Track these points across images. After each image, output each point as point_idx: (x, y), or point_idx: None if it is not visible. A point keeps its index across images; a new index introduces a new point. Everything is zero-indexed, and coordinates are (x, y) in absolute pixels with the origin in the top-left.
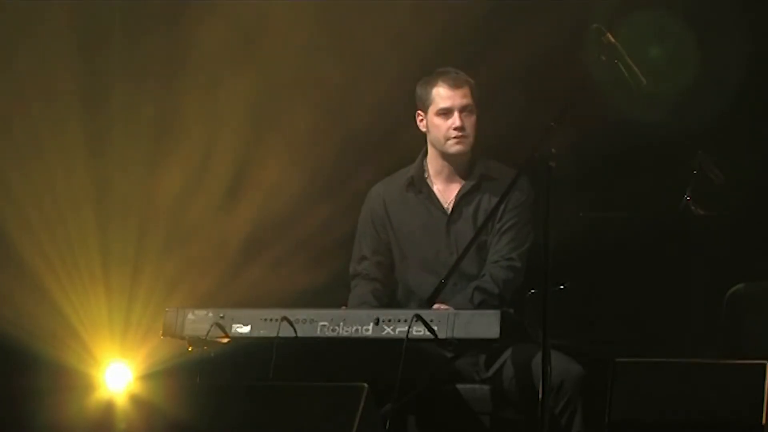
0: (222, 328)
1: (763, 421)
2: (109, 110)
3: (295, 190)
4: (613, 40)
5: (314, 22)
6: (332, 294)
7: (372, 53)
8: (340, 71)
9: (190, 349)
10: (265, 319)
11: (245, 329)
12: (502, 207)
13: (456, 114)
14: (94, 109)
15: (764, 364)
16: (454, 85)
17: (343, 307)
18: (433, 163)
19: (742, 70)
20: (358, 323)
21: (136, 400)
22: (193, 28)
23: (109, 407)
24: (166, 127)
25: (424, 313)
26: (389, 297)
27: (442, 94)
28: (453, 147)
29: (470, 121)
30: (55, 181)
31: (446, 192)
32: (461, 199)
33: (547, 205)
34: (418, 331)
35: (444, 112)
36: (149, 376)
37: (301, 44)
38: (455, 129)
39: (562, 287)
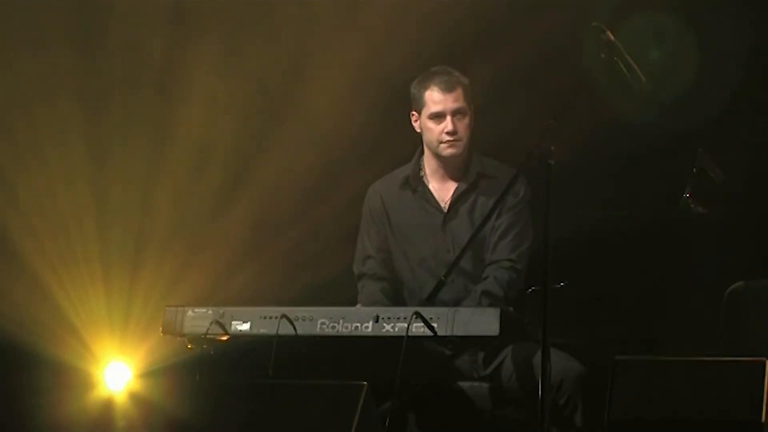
0: (222, 325)
1: (763, 419)
2: (110, 111)
3: (295, 189)
4: (612, 38)
5: (314, 22)
6: (332, 292)
7: (372, 53)
8: (340, 71)
9: (189, 347)
10: (265, 317)
11: (245, 327)
12: (500, 206)
13: (448, 118)
14: (95, 108)
15: (764, 362)
16: (447, 88)
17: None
18: (429, 163)
19: (741, 69)
20: (357, 321)
21: (135, 399)
22: (191, 31)
23: (108, 405)
24: (166, 128)
25: (424, 311)
26: (397, 295)
27: (435, 98)
28: (446, 150)
29: (463, 124)
30: (56, 181)
31: (442, 191)
32: (457, 198)
33: (547, 203)
34: (418, 328)
35: (436, 115)
36: (149, 375)
37: (300, 44)
38: (447, 133)
39: (561, 285)
